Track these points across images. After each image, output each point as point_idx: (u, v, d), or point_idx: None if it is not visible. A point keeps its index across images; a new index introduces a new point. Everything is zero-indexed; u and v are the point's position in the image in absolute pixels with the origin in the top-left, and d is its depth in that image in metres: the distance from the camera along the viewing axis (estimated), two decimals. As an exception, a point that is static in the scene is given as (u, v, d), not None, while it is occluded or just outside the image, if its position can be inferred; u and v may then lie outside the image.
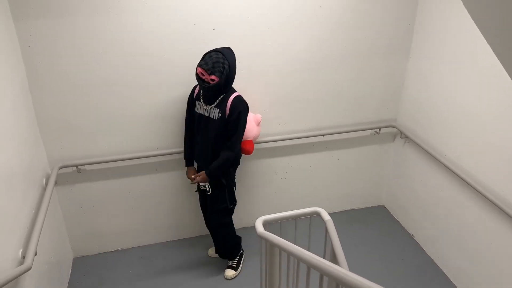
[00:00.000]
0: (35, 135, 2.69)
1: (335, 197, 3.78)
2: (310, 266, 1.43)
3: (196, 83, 2.66)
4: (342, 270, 1.19)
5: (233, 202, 2.91)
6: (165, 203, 3.32)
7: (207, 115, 2.58)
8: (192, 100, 2.70)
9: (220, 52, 2.39)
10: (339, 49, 3.10)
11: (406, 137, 3.43)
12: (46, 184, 2.68)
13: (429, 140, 3.16)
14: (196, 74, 2.41)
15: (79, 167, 2.92)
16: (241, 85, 3.02)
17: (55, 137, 2.82)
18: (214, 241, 3.10)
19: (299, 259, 1.53)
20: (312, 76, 3.15)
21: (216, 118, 2.55)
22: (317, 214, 2.17)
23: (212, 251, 3.30)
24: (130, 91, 2.81)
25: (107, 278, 3.10)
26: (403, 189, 3.60)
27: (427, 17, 3.02)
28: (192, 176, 2.75)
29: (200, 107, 2.61)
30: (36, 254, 2.14)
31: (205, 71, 2.35)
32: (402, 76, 3.37)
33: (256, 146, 3.30)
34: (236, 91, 2.60)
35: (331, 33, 3.03)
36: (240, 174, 3.39)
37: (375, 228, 3.64)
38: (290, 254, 1.61)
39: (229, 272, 3.08)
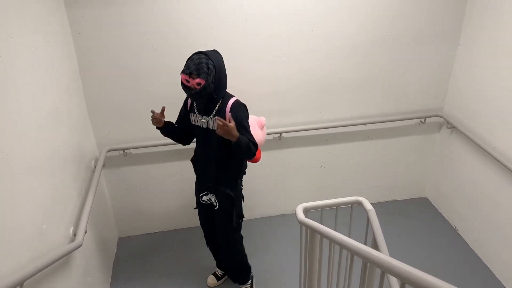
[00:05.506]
0: (85, 119, 2.81)
1: (376, 187, 3.72)
2: (354, 254, 1.43)
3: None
4: (390, 258, 1.18)
5: (241, 216, 2.60)
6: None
7: (205, 126, 2.30)
8: (185, 111, 2.41)
9: (202, 53, 2.10)
10: (384, 35, 3.02)
11: (453, 127, 3.31)
12: (95, 167, 2.81)
13: (477, 131, 3.03)
14: (182, 83, 2.13)
15: (125, 150, 3.03)
16: (283, 70, 3.01)
17: (103, 122, 2.93)
18: (221, 261, 2.90)
19: (342, 246, 1.53)
20: (355, 63, 3.09)
21: (216, 128, 2.18)
22: (359, 204, 2.14)
23: (212, 280, 2.99)
24: (174, 78, 2.87)
25: (150, 258, 3.21)
26: (448, 181, 3.48)
27: (480, 1, 2.88)
28: (219, 121, 2.07)
29: (196, 119, 2.33)
30: (85, 232, 2.25)
31: (188, 75, 2.06)
32: (450, 64, 3.24)
33: (295, 134, 3.29)
34: (233, 96, 2.30)
35: (377, 19, 2.95)
36: (279, 161, 3.41)
37: (417, 220, 3.56)
38: (333, 241, 1.61)
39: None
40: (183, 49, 2.80)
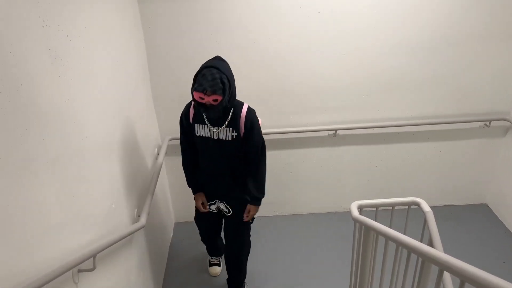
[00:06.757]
0: (151, 109, 2.98)
1: (432, 190, 3.62)
2: (412, 251, 1.43)
3: (186, 103, 2.34)
4: (451, 257, 1.18)
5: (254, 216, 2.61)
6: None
7: (216, 137, 2.23)
8: (188, 124, 2.31)
9: (213, 67, 1.98)
10: (449, 32, 2.93)
11: (520, 132, 3.15)
12: (158, 154, 2.97)
13: (548, 137, 2.87)
14: (194, 99, 2.04)
15: (185, 140, 3.17)
16: (342, 66, 3.01)
17: (167, 112, 3.09)
18: (231, 266, 2.79)
19: (400, 244, 1.53)
20: (418, 61, 3.03)
21: (230, 139, 2.21)
22: (416, 205, 2.11)
23: (215, 270, 3.08)
24: (235, 74, 2.95)
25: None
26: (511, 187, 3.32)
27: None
28: (246, 216, 2.46)
29: (204, 130, 2.24)
30: (148, 214, 2.40)
31: (203, 93, 1.96)
32: (521, 65, 3.08)
33: (351, 132, 3.28)
34: (243, 102, 2.24)
35: (443, 16, 2.87)
36: (333, 158, 3.41)
37: (475, 227, 3.43)
38: (389, 238, 1.61)
39: None
40: (245, 45, 2.88)
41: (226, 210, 2.51)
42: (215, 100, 1.98)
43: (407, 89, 3.13)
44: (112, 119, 2.09)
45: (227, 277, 2.92)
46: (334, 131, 3.25)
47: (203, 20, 2.80)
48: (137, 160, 2.50)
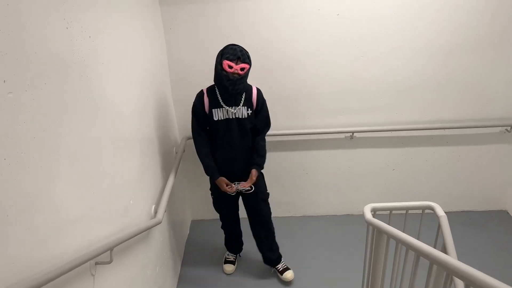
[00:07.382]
0: (170, 108, 3.04)
1: (450, 195, 3.57)
2: (421, 255, 1.43)
3: (197, 92, 2.53)
4: (459, 262, 1.18)
5: None
6: (276, 181, 3.48)
7: (233, 117, 2.49)
8: (203, 113, 2.51)
9: (237, 45, 2.34)
10: (470, 35, 2.89)
11: (543, 138, 3.07)
12: (176, 152, 3.03)
13: None
14: (222, 70, 2.30)
15: (203, 139, 3.23)
16: (361, 69, 3.01)
17: (185, 111, 3.13)
18: (263, 241, 2.93)
19: (410, 248, 1.53)
20: (438, 65, 3.00)
21: (246, 116, 2.50)
22: (431, 209, 2.10)
23: (229, 267, 3.10)
24: (254, 76, 2.99)
25: (219, 242, 3.39)
26: (533, 195, 3.24)
27: None
28: (248, 185, 2.61)
29: (222, 113, 2.48)
30: (165, 211, 2.46)
31: (235, 62, 2.28)
32: (545, 70, 3.01)
33: (368, 135, 3.27)
34: (250, 85, 2.53)
35: (462, 20, 2.84)
36: (349, 161, 3.40)
37: (494, 234, 3.36)
38: (401, 242, 1.62)
39: (289, 273, 2.95)
40: (263, 47, 2.92)
41: (247, 188, 2.65)
42: (242, 69, 2.31)
43: (426, 93, 3.10)
44: (133, 117, 2.15)
45: (240, 275, 2.96)
46: (351, 134, 3.25)
47: (224, 23, 2.84)
48: (156, 158, 2.56)
